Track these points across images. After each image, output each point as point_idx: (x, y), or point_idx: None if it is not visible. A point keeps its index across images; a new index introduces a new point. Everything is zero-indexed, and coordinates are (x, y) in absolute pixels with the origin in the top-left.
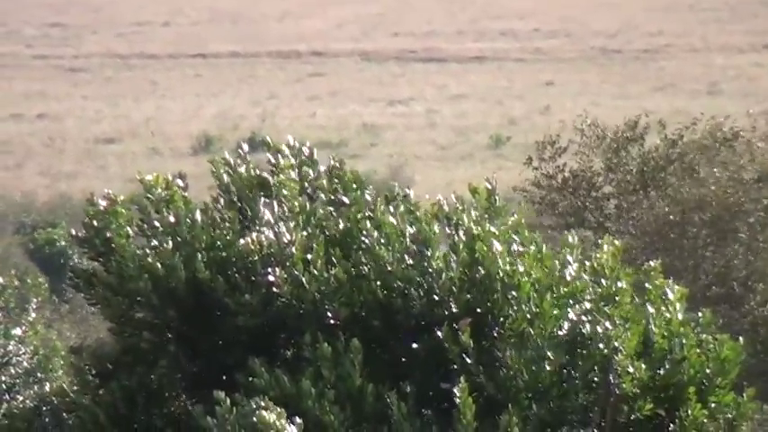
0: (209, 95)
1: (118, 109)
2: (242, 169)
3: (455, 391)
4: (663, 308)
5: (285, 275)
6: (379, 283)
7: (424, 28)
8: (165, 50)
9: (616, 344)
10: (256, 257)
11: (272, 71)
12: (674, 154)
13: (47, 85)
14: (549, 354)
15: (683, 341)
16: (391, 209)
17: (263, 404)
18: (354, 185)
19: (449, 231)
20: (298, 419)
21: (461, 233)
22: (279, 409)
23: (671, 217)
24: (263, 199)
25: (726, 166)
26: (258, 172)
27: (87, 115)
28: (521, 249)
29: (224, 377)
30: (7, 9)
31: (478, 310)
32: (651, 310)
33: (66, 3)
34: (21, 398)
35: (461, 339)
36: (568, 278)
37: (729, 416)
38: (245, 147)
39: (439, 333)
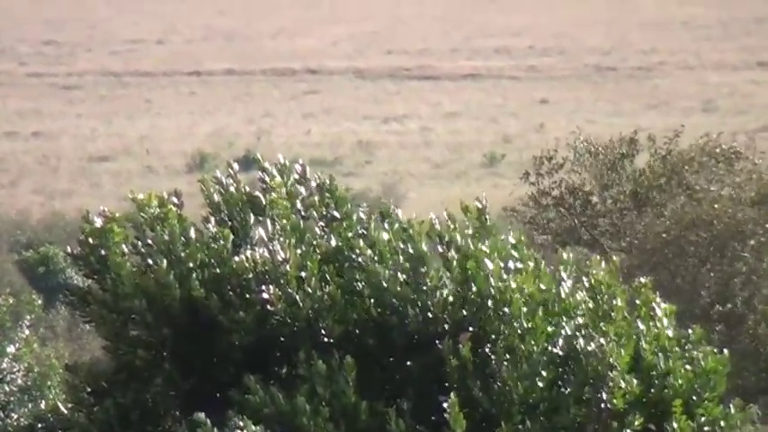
0: (204, 113)
1: (112, 127)
2: (232, 188)
3: (444, 406)
4: (651, 323)
5: (279, 293)
6: (373, 300)
7: (418, 46)
8: (160, 68)
9: (611, 360)
10: (251, 275)
11: (266, 89)
12: (666, 171)
13: (41, 102)
14: (541, 369)
15: (669, 355)
16: (386, 225)
17: (241, 423)
18: (345, 201)
19: (441, 250)
20: None
21: (453, 251)
22: (255, 428)
23: (664, 235)
24: (254, 217)
25: (723, 184)
26: (249, 190)
27: (82, 133)
28: (518, 266)
29: (218, 394)
30: (1, 26)
31: (471, 328)
32: (641, 326)
33: (60, 20)
34: (15, 416)
35: (462, 354)
36: (563, 295)
37: (717, 428)
38: (236, 165)
39: (440, 346)
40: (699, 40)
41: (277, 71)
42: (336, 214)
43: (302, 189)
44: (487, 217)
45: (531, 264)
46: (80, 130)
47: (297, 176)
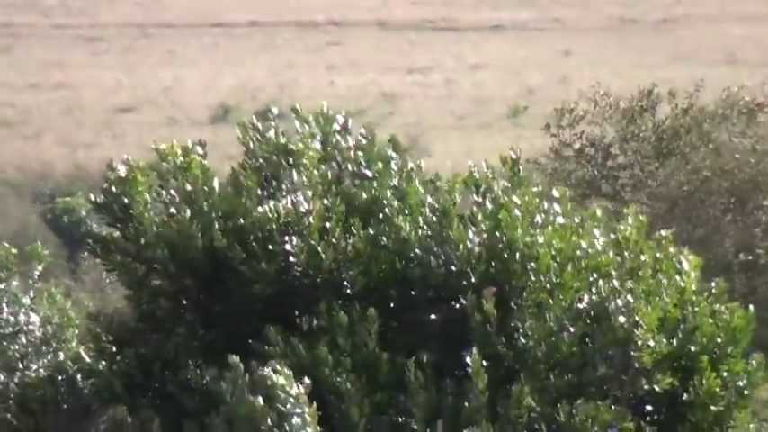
0: (227, 65)
1: (135, 78)
2: (271, 134)
3: (467, 360)
4: (677, 277)
5: (302, 244)
6: (397, 253)
7: None
8: (183, 20)
9: (637, 318)
10: (274, 226)
11: (290, 40)
12: (689, 122)
13: (65, 54)
14: (568, 325)
15: (696, 310)
16: (396, 178)
17: (278, 367)
18: (378, 160)
19: (476, 199)
20: (306, 380)
21: (488, 201)
22: (287, 372)
23: (685, 188)
24: (287, 167)
25: (745, 135)
26: (285, 139)
27: (105, 85)
28: (561, 221)
29: (240, 345)
30: None
31: (496, 280)
32: (664, 279)
33: None
34: (34, 367)
35: (486, 308)
36: (591, 251)
37: (740, 384)
38: (275, 110)
39: (463, 301)
40: None
41: (300, 23)
42: (368, 173)
43: (341, 140)
44: (520, 168)
45: (562, 219)
46: (103, 81)
47: (338, 127)
